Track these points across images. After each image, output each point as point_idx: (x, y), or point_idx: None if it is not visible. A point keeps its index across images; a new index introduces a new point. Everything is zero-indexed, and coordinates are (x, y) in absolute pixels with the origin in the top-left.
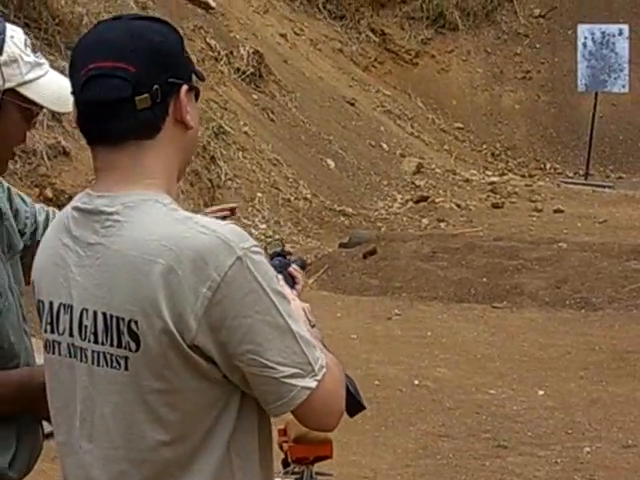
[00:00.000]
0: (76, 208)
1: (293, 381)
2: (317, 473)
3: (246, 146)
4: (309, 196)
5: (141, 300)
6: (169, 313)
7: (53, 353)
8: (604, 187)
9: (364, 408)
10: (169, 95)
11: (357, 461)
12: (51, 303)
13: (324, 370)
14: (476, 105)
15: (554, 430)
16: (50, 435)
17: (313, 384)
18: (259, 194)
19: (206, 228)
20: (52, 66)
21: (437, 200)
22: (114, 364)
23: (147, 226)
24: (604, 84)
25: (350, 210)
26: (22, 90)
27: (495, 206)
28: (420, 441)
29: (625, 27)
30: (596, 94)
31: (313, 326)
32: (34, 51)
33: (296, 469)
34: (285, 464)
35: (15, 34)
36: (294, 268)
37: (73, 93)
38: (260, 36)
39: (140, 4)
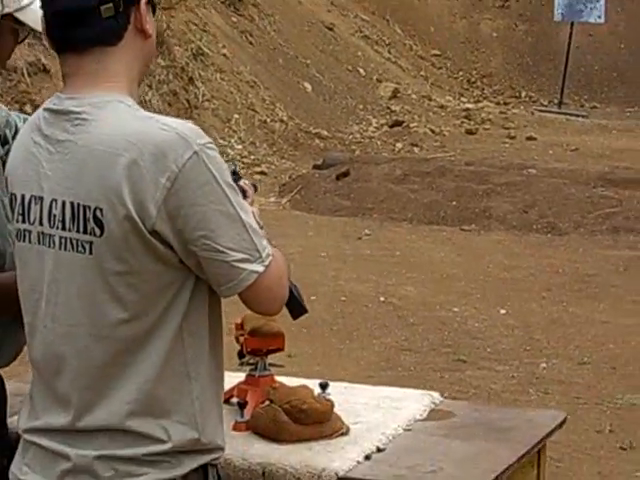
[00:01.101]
0: (47, 109)
1: (242, 265)
2: (270, 364)
3: (224, 68)
4: (285, 118)
5: (106, 190)
6: (131, 201)
7: (23, 241)
8: (578, 116)
9: (306, 311)
10: (131, 5)
11: (320, 371)
12: (23, 196)
13: (270, 258)
14: (454, 32)
15: (513, 347)
16: None
17: (260, 268)
18: (236, 115)
19: (166, 125)
20: None
21: (412, 125)
22: (79, 248)
23: (112, 123)
24: (580, 14)
25: (325, 133)
26: (18, 15)
27: (469, 132)
28: (383, 354)
29: None
30: (572, 24)
31: (261, 227)
32: None
33: (251, 360)
34: (240, 355)
35: None
36: (245, 183)
37: (42, 5)
38: None
39: None
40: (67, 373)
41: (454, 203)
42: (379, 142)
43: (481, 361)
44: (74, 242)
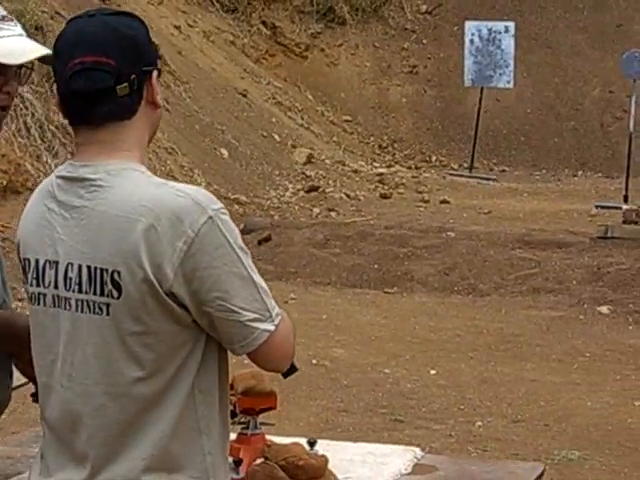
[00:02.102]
0: (60, 177)
1: (255, 324)
2: (261, 423)
3: None
4: (203, 184)
5: (124, 253)
6: (149, 264)
7: (38, 304)
8: (488, 180)
9: (296, 369)
10: (143, 81)
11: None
12: (37, 260)
13: (279, 317)
14: (364, 98)
15: (447, 406)
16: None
17: (272, 327)
18: None
19: (181, 192)
20: None
21: (327, 190)
22: (96, 310)
23: (128, 190)
24: (490, 79)
25: (244, 198)
26: None
27: (383, 196)
28: (321, 415)
29: (511, 24)
30: (482, 89)
31: None
32: None
33: (242, 419)
34: (233, 415)
35: None
36: None
37: (58, 83)
38: (155, 27)
39: None
40: (83, 431)
41: (376, 266)
42: (297, 207)
43: (417, 421)
44: (91, 304)
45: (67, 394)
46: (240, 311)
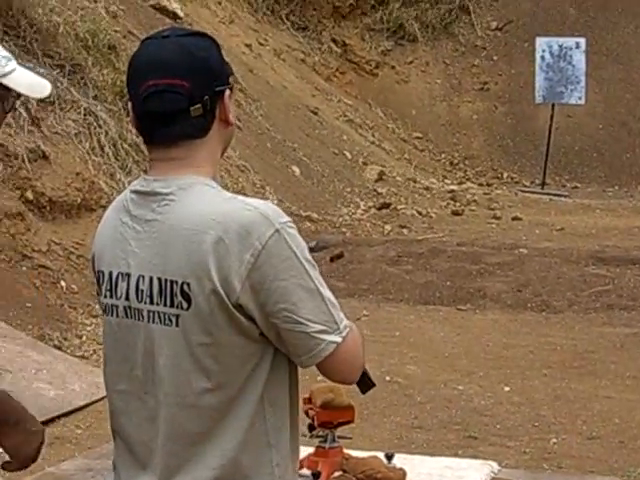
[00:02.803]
0: (134, 191)
1: (322, 336)
2: (339, 436)
3: None
4: (275, 202)
5: (193, 265)
6: (217, 276)
7: (112, 315)
8: (560, 196)
9: (374, 385)
10: (216, 101)
11: None
12: (110, 273)
13: (347, 329)
14: (435, 115)
15: (521, 423)
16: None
17: (339, 339)
18: None
19: (250, 205)
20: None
21: (399, 207)
22: (167, 321)
23: (198, 204)
24: (561, 96)
25: (315, 216)
26: (3, 81)
27: (455, 213)
28: (395, 432)
29: (582, 40)
30: (553, 105)
31: None
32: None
33: (320, 433)
34: (311, 428)
35: None
36: None
37: (133, 103)
38: (226, 46)
39: (111, 14)
40: (155, 441)
41: (449, 283)
42: (368, 224)
43: (492, 437)
44: (162, 315)
45: (145, 404)
46: (307, 322)
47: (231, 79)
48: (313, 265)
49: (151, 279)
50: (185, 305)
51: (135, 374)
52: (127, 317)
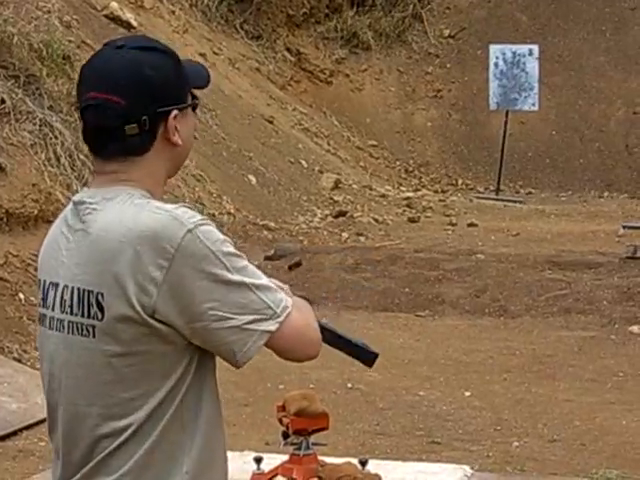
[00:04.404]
0: (73, 201)
1: (253, 326)
2: (313, 443)
3: None
4: (232, 211)
5: (106, 275)
6: (131, 285)
7: (42, 325)
8: (515, 202)
9: (377, 354)
10: (159, 122)
11: None
12: (44, 281)
13: (288, 309)
14: (389, 123)
15: (483, 427)
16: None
17: (274, 326)
18: None
19: (159, 209)
20: None
21: (355, 215)
22: (84, 332)
23: (114, 212)
24: (515, 102)
25: (272, 224)
26: None
27: (411, 220)
28: (358, 439)
29: (535, 47)
30: (507, 112)
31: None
32: None
33: (294, 440)
34: (285, 436)
35: None
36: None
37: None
38: (180, 55)
39: (65, 24)
40: (77, 451)
41: (407, 290)
42: (325, 232)
43: (454, 442)
44: (79, 326)
45: (66, 415)
46: (234, 316)
47: (189, 99)
48: (236, 256)
49: (72, 289)
50: (99, 315)
51: (56, 386)
52: (53, 328)
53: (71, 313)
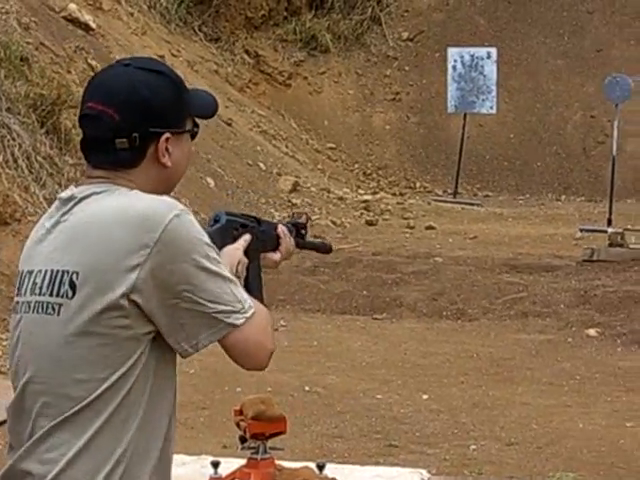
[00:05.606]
0: (59, 198)
1: (221, 316)
2: (271, 447)
3: None
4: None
5: (88, 254)
6: (113, 263)
7: (15, 313)
8: (472, 205)
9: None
10: (149, 141)
11: None
12: (22, 272)
13: (252, 310)
14: (348, 126)
15: (440, 430)
16: None
17: (240, 321)
18: None
19: (147, 197)
20: None
21: (313, 217)
22: (49, 310)
23: (101, 202)
24: (473, 105)
25: None
26: None
27: (369, 223)
28: (316, 442)
29: (493, 50)
30: (465, 115)
31: (238, 277)
32: None
33: (252, 444)
34: (242, 440)
35: None
36: (282, 230)
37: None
38: (141, 54)
39: (23, 25)
40: (24, 426)
41: (365, 293)
42: None
43: (412, 445)
44: (44, 305)
45: (25, 393)
46: (207, 303)
47: (187, 125)
48: (213, 248)
49: (45, 272)
50: (70, 294)
51: (19, 368)
52: (18, 313)
53: (39, 294)
